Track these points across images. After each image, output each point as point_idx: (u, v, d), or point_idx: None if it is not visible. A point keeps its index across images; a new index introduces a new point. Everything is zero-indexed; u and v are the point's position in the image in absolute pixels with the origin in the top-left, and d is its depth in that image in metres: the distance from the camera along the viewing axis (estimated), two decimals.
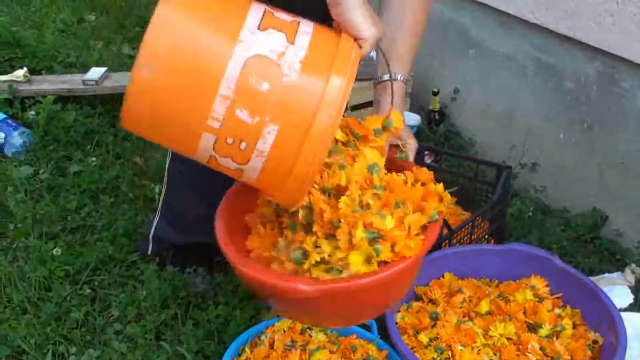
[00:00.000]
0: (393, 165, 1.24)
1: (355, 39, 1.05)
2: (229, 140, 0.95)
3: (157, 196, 2.34)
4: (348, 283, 1.04)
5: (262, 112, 0.94)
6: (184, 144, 0.98)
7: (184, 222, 1.93)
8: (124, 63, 3.40)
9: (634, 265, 2.06)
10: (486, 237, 2.10)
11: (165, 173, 1.91)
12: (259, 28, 0.95)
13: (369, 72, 2.98)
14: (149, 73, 0.90)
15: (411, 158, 1.35)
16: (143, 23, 3.77)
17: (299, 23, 1.01)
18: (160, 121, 0.95)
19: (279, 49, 0.94)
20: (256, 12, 0.97)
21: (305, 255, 1.08)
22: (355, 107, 2.80)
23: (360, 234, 1.05)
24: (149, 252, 2.00)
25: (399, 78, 1.39)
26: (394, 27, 1.40)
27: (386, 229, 1.06)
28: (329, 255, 1.06)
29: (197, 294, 1.92)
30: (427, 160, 2.40)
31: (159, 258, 2.02)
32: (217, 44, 0.92)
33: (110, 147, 2.68)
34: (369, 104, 2.81)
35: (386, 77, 1.39)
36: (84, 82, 2.93)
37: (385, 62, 1.31)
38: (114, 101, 2.94)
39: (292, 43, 0.96)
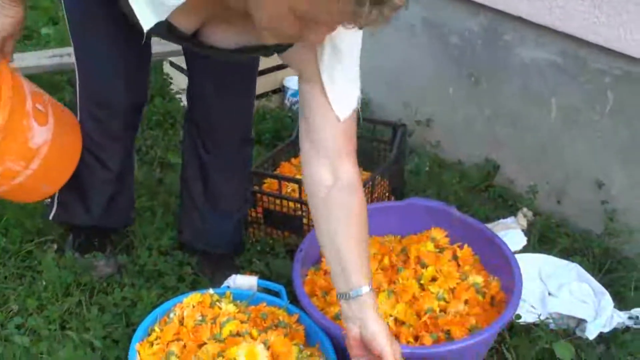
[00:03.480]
0: None
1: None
2: None
3: None
4: None
5: None
6: None
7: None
8: None
9: (525, 209, 2.17)
10: (387, 194, 2.15)
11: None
12: None
13: None
14: None
15: None
16: None
17: None
18: None
19: None
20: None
21: None
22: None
23: None
24: (51, 217, 1.85)
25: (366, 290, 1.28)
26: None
27: None
28: None
29: (101, 278, 1.87)
30: None
31: (56, 245, 1.95)
32: None
33: None
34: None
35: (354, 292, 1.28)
36: None
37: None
38: None
39: None
